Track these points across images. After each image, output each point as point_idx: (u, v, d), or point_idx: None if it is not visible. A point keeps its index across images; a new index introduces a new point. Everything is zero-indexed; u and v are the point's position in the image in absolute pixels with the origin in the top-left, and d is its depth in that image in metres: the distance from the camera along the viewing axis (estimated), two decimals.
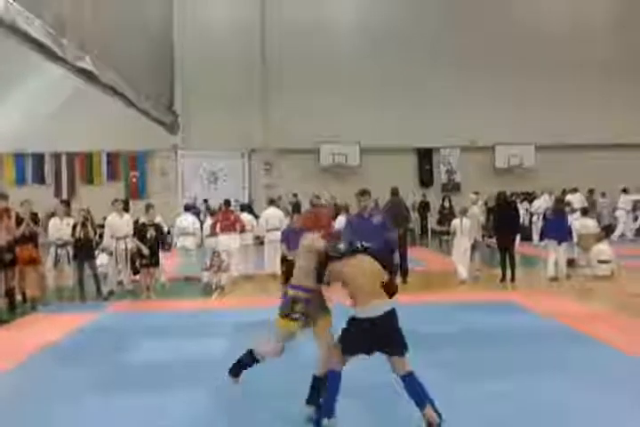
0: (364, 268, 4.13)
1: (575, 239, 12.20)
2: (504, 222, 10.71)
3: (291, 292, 4.20)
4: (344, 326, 4.10)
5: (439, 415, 3.96)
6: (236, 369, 4.39)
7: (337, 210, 13.26)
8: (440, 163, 21.27)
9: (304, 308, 4.11)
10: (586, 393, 4.68)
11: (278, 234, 11.65)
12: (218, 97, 19.78)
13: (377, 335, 4.00)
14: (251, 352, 4.32)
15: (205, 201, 18.57)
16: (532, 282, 10.70)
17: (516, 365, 5.46)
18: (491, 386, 4.85)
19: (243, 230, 11.29)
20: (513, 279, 10.36)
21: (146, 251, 9.51)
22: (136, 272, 10.23)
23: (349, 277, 4.10)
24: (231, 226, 11.08)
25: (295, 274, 4.28)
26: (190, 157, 20.78)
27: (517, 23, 20.60)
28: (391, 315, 4.08)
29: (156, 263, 9.82)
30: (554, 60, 20.29)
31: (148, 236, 9.65)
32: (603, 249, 10.82)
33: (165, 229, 11.30)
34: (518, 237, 12.00)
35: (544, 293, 9.42)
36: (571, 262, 12.15)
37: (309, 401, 4.21)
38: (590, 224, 11.88)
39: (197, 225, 11.73)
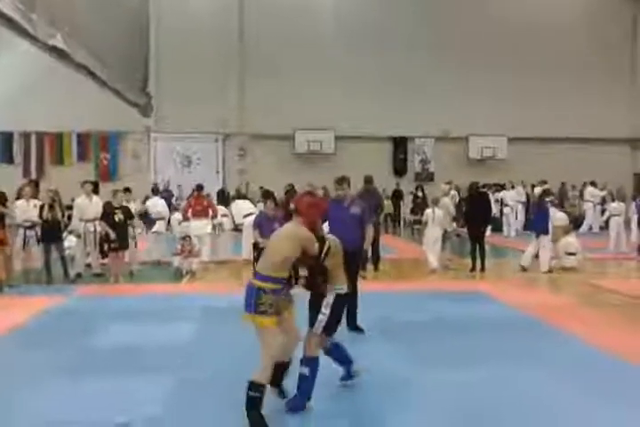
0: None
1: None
2: (475, 213, 10.83)
3: (258, 283, 3.93)
4: (331, 305, 4.21)
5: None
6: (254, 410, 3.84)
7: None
8: (414, 152, 21.40)
9: (272, 299, 3.88)
10: (554, 383, 4.76)
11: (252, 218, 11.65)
12: (193, 80, 19.49)
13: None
14: (250, 385, 3.86)
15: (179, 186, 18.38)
16: (501, 273, 10.87)
17: (483, 354, 5.54)
18: (460, 375, 4.91)
19: (215, 216, 11.21)
20: (483, 269, 10.51)
21: (113, 234, 9.35)
22: (105, 256, 10.09)
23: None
24: (203, 211, 10.98)
25: (265, 262, 4.00)
26: (163, 140, 20.49)
27: (493, 17, 20.73)
28: None
29: (125, 247, 9.68)
30: (528, 54, 20.51)
31: (117, 219, 9.49)
32: (570, 241, 11.02)
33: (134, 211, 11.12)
34: (489, 228, 12.13)
35: (512, 283, 9.56)
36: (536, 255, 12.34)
37: (272, 383, 4.16)
38: (560, 217, 12.07)
39: (166, 209, 11.61)
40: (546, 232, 10.49)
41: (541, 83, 20.42)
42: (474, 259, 10.61)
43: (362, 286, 6.40)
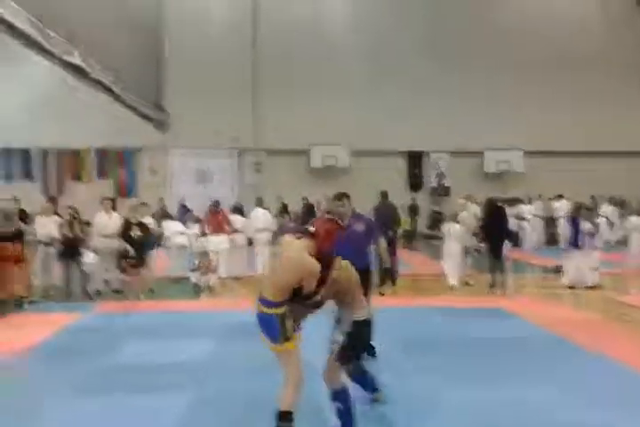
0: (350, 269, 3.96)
1: (562, 246, 12.23)
2: (493, 228, 10.72)
3: (272, 310, 3.72)
4: (349, 333, 3.86)
5: None
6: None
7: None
8: (430, 167, 21.34)
9: (290, 322, 3.74)
10: (573, 402, 4.66)
11: (267, 235, 11.66)
12: (209, 95, 19.65)
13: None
14: (280, 416, 3.68)
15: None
16: (521, 288, 10.72)
17: (503, 372, 5.44)
18: (482, 394, 4.83)
19: (231, 231, 11.23)
20: (503, 285, 10.37)
21: (131, 251, 9.38)
22: (124, 272, 10.10)
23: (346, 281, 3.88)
24: (219, 226, 11.00)
25: (266, 286, 3.82)
26: (180, 156, 20.61)
27: (515, 29, 20.67)
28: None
29: (144, 263, 9.70)
30: (546, 69, 20.43)
31: (134, 235, 9.52)
32: (592, 256, 10.86)
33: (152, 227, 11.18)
34: (508, 243, 11.99)
35: (533, 299, 9.42)
36: (557, 269, 12.19)
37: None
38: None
39: (182, 227, 11.71)
40: (592, 246, 10.55)
41: (557, 96, 20.31)
42: (493, 275, 10.48)
43: (380, 302, 6.33)
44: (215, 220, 11.12)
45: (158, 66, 19.06)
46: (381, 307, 6.27)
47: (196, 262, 10.36)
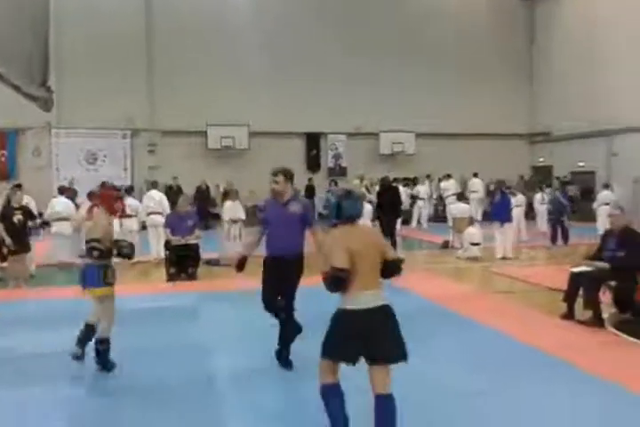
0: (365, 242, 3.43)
1: (450, 223, 12.93)
2: (386, 206, 11.09)
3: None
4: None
5: None
6: None
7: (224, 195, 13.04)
8: (327, 148, 21.62)
9: None
10: (458, 369, 4.97)
11: (159, 218, 11.32)
12: (100, 74, 18.72)
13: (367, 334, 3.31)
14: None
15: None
16: (412, 264, 11.17)
17: None
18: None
19: (123, 215, 10.77)
20: None
21: (8, 240, 8.78)
22: (4, 259, 9.47)
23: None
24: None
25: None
26: (67, 136, 19.49)
27: (406, 14, 21.28)
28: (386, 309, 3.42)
29: (26, 250, 9.13)
30: (437, 54, 21.31)
31: (15, 220, 8.93)
32: (474, 232, 11.53)
33: (35, 212, 10.54)
34: (399, 221, 12.47)
35: (424, 275, 9.87)
36: (445, 245, 12.88)
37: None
38: (462, 208, 12.62)
39: (72, 209, 11.06)
40: (510, 220, 11.36)
41: (448, 81, 21.22)
42: None
43: None
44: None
45: (45, 43, 17.75)
46: None
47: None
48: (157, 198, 11.54)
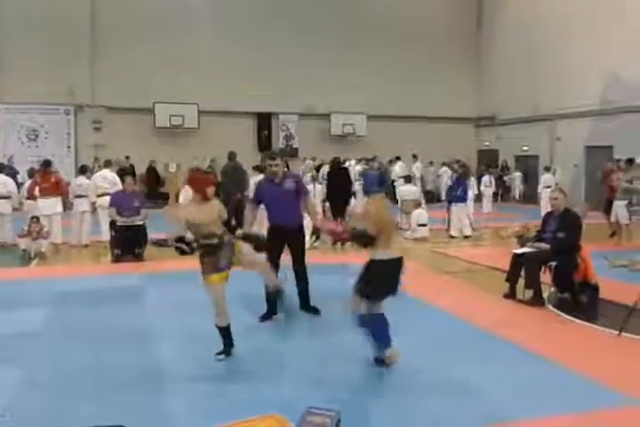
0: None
1: (398, 204, 13.08)
2: (337, 187, 11.12)
3: None
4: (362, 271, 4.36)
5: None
6: None
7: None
8: (279, 128, 21.46)
9: None
10: (405, 346, 5.06)
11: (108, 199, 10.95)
12: (40, 48, 17.97)
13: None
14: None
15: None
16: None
17: (335, 322, 5.60)
18: (311, 343, 5.12)
19: (64, 194, 10.43)
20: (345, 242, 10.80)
21: None
22: None
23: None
24: (52, 189, 10.18)
25: None
26: (6, 112, 18.66)
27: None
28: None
29: None
30: (387, 37, 21.37)
31: None
32: (421, 213, 11.74)
33: None
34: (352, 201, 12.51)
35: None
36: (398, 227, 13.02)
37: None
38: (413, 190, 12.80)
39: (12, 187, 10.61)
40: (464, 200, 12.01)
41: (398, 64, 21.37)
42: None
43: None
44: (47, 181, 10.25)
45: None
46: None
47: (25, 228, 9.56)
48: (110, 178, 11.12)
